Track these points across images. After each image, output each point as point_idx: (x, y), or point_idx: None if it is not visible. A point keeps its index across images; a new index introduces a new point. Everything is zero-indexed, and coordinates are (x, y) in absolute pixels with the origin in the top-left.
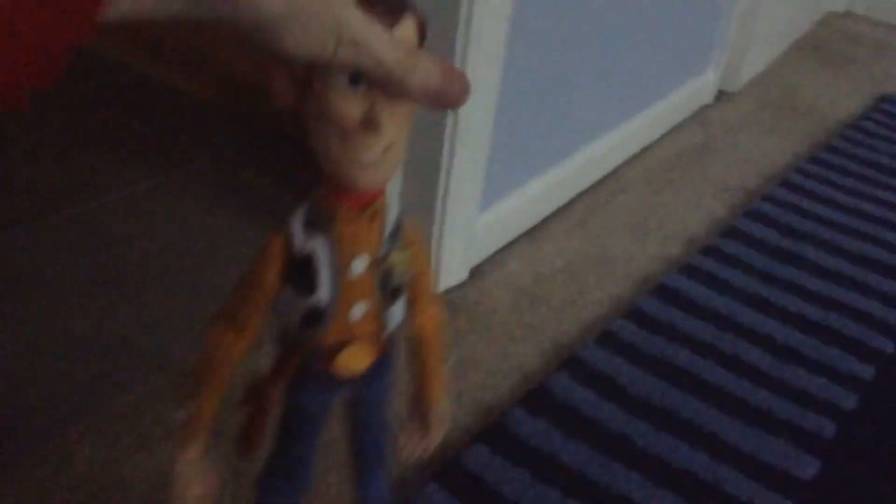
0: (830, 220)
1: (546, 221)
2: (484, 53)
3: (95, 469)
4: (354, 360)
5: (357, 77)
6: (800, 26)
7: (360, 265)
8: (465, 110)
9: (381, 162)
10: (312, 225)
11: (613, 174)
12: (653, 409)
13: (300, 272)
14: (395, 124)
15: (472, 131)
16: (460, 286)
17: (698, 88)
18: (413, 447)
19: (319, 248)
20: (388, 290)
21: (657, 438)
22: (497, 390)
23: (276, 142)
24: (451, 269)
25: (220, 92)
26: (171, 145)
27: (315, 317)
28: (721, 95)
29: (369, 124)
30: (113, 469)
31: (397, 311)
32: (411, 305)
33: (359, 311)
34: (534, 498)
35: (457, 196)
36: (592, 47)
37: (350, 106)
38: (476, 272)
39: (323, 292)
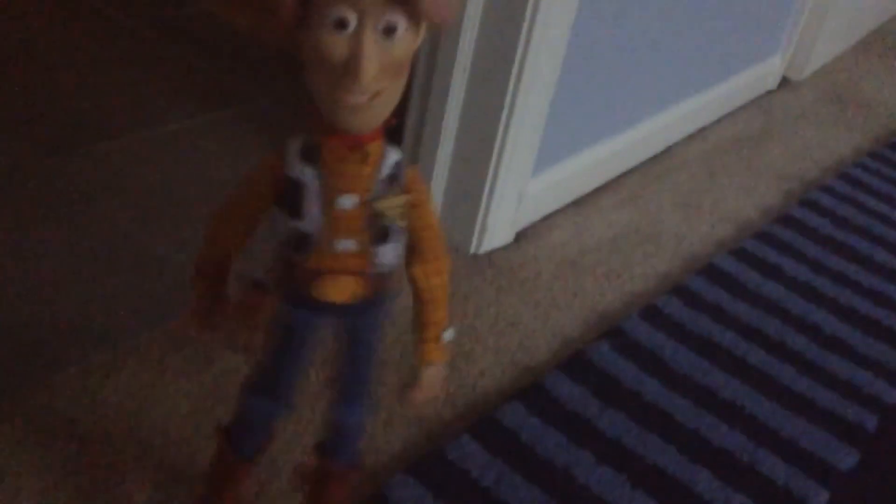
0: (886, 216)
1: (596, 192)
2: (553, 19)
3: (142, 383)
4: (334, 288)
5: (343, 22)
6: (869, 22)
7: (346, 202)
8: (528, 74)
9: (367, 107)
10: (305, 155)
11: (669, 152)
12: (694, 386)
13: (289, 196)
14: (387, 73)
15: (534, 94)
16: (505, 248)
17: (763, 74)
18: (399, 398)
19: (308, 178)
20: (377, 231)
21: (696, 415)
22: (536, 352)
23: None
24: (497, 230)
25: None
26: (225, 80)
27: (300, 241)
28: (785, 83)
29: (351, 68)
30: (158, 386)
31: (387, 252)
32: (409, 255)
33: (344, 244)
34: (567, 460)
35: (511, 157)
36: (661, 23)
37: (335, 48)
38: (521, 236)
39: (308, 220)
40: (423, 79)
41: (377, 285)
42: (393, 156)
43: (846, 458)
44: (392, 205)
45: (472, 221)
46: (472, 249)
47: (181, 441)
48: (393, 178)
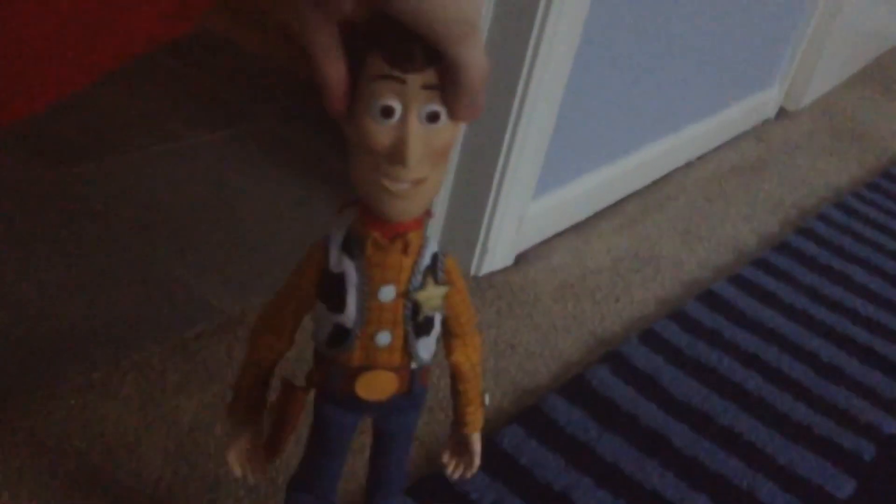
0: (882, 245)
1: (596, 217)
2: (556, 46)
3: (142, 402)
4: (375, 386)
5: (389, 110)
6: (866, 55)
7: (387, 293)
8: (531, 98)
9: (411, 195)
10: (346, 246)
11: (668, 178)
12: (692, 411)
13: (331, 289)
14: (429, 160)
15: (536, 119)
16: (505, 270)
17: (761, 103)
18: (454, 472)
19: (350, 270)
20: (417, 323)
21: (694, 441)
22: (535, 375)
23: None
24: (498, 252)
25: (286, 52)
26: (232, 99)
27: (341, 336)
28: (783, 113)
29: (397, 156)
30: (158, 404)
31: (426, 346)
32: (448, 342)
33: (384, 338)
34: (566, 484)
35: (512, 180)
36: (662, 52)
37: (381, 135)
38: (522, 258)
39: (349, 313)
40: None
41: (413, 381)
42: (432, 247)
43: (843, 487)
44: (432, 296)
45: (473, 243)
46: (473, 271)
47: (181, 458)
48: (431, 269)
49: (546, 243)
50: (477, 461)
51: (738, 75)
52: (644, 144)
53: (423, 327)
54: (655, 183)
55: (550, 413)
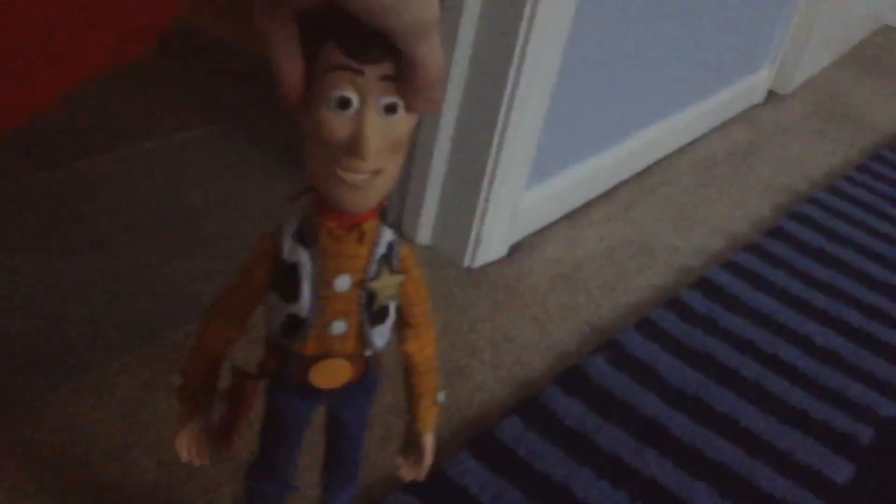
0: (874, 228)
1: (589, 206)
2: (547, 35)
3: (134, 405)
4: (330, 374)
5: (346, 101)
6: (854, 36)
7: (342, 283)
8: (522, 88)
9: (367, 186)
10: (300, 236)
11: (659, 165)
12: (689, 399)
13: (285, 279)
14: (386, 151)
15: (527, 109)
16: (499, 261)
17: (750, 87)
18: (405, 473)
19: (304, 260)
20: (371, 312)
21: (692, 429)
22: (532, 367)
23: None
24: (492, 244)
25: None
26: (221, 96)
27: (295, 325)
28: (772, 96)
29: (355, 147)
30: (152, 407)
31: (380, 333)
32: (402, 332)
33: (339, 327)
34: (565, 475)
35: (505, 171)
36: (651, 38)
37: (338, 127)
38: (516, 249)
39: (303, 303)
40: None
41: (367, 368)
42: (387, 235)
43: (842, 471)
44: (387, 285)
45: (466, 235)
46: (466, 263)
47: (172, 462)
48: (387, 258)
49: (539, 233)
50: (427, 462)
51: (727, 59)
52: (635, 131)
53: (378, 316)
54: (647, 170)
55: (548, 404)
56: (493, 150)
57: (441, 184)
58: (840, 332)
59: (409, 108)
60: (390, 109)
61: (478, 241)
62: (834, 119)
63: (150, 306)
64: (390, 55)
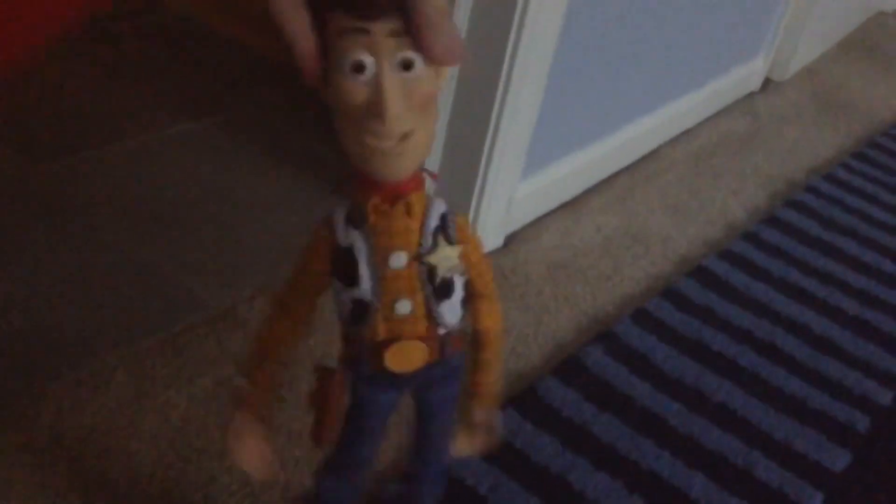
0: (872, 216)
1: (585, 196)
2: (541, 23)
3: (131, 397)
4: (404, 357)
5: (360, 65)
6: (850, 22)
7: (398, 260)
8: (516, 78)
9: (400, 151)
10: (351, 219)
11: (656, 154)
12: (686, 389)
13: (343, 264)
14: (412, 112)
15: (522, 99)
16: (494, 252)
17: (746, 75)
18: (461, 450)
19: (358, 242)
20: (435, 287)
21: (689, 419)
22: (529, 358)
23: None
24: (487, 235)
25: (276, 43)
26: (215, 89)
27: (361, 310)
28: (768, 84)
29: (375, 109)
30: (149, 398)
31: (450, 310)
32: (475, 305)
33: (404, 307)
34: (562, 466)
35: (500, 162)
36: (646, 26)
37: (357, 92)
38: (511, 240)
39: (364, 285)
40: None
41: (444, 348)
42: (439, 207)
43: (839, 460)
44: (445, 256)
45: None
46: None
47: (172, 453)
48: (442, 230)
49: (535, 224)
50: (488, 442)
51: (723, 47)
52: (630, 121)
53: (443, 291)
54: (643, 159)
55: (545, 395)
56: (488, 140)
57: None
58: (837, 320)
59: (428, 57)
60: (407, 66)
61: (473, 232)
62: (830, 106)
63: (147, 301)
64: (396, 10)
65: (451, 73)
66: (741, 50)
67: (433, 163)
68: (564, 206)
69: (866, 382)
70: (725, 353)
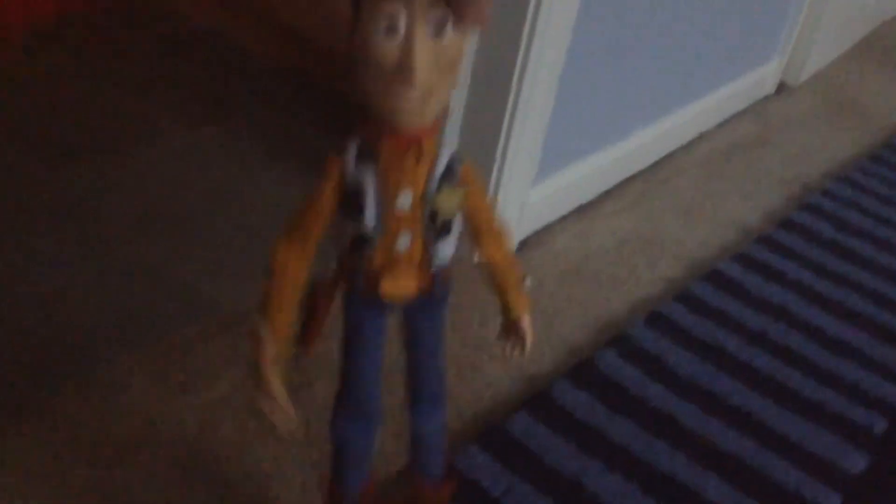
0: (888, 218)
1: (598, 200)
2: (552, 28)
3: (147, 400)
4: (398, 286)
5: (394, 24)
6: (865, 26)
7: (405, 200)
8: (528, 83)
9: (420, 105)
10: (362, 156)
11: (669, 158)
12: (700, 392)
13: (351, 198)
14: (438, 71)
15: (534, 104)
16: None
17: (760, 79)
18: (510, 353)
19: (367, 178)
20: (436, 227)
21: (704, 421)
22: (542, 361)
23: (329, 99)
24: None
25: (281, 49)
26: (225, 94)
27: (362, 242)
28: (782, 88)
29: (404, 72)
30: (164, 402)
31: (445, 247)
32: (475, 240)
33: (404, 241)
34: (576, 469)
35: (512, 167)
36: (659, 30)
37: (387, 52)
38: (524, 245)
39: (369, 219)
40: None
41: (437, 280)
42: (448, 151)
43: (856, 462)
44: (449, 199)
45: None
46: (476, 259)
47: (188, 456)
48: (448, 173)
49: (548, 228)
50: (528, 340)
51: (736, 51)
52: (643, 125)
53: (442, 231)
54: (657, 163)
55: (558, 398)
56: (501, 144)
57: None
58: (853, 322)
59: (458, 18)
60: (439, 29)
61: None
62: (844, 110)
63: (161, 303)
64: None
65: (462, 78)
66: (755, 54)
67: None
68: (578, 211)
69: (883, 384)
70: (740, 355)
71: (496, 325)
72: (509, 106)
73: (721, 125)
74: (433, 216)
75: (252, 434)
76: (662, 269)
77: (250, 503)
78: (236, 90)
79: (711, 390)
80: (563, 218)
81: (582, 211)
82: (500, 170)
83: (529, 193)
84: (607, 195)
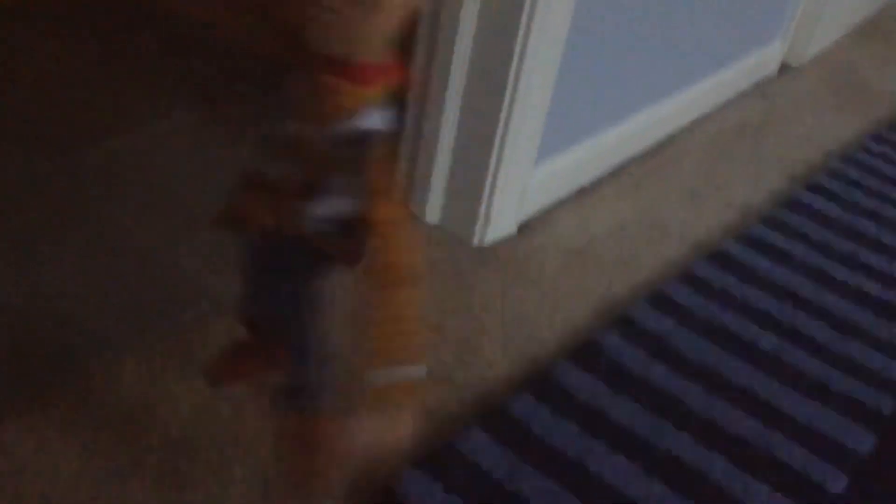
0: (892, 197)
1: (600, 182)
2: (553, 8)
3: (144, 387)
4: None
5: None
6: (867, 7)
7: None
8: (529, 64)
9: (345, 20)
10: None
11: (671, 139)
12: (705, 372)
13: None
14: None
15: (535, 85)
16: (508, 240)
17: (763, 60)
18: None
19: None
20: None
21: (708, 402)
22: (544, 344)
23: None
24: (501, 221)
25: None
26: (220, 84)
27: None
28: (786, 68)
29: None
30: (160, 388)
31: None
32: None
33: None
34: (580, 450)
35: (513, 148)
36: (661, 10)
37: None
38: (525, 227)
39: None
40: (424, 71)
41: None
42: (372, 121)
43: (863, 442)
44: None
45: (475, 213)
46: (476, 241)
47: (185, 442)
48: (351, 146)
49: (550, 210)
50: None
51: (739, 31)
52: (645, 106)
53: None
54: (659, 145)
55: (561, 380)
56: (501, 126)
57: (449, 162)
58: (859, 302)
59: None
60: None
61: (487, 220)
62: (849, 90)
63: (159, 293)
64: None
65: (463, 59)
66: (758, 35)
67: (444, 152)
68: (579, 193)
69: (890, 365)
70: (745, 336)
71: (496, 308)
72: (509, 87)
73: (724, 106)
74: None
75: (249, 417)
76: (665, 250)
77: (245, 484)
78: (226, 78)
79: (716, 371)
80: (565, 200)
81: (583, 193)
82: (500, 152)
83: (530, 176)
84: (609, 177)
